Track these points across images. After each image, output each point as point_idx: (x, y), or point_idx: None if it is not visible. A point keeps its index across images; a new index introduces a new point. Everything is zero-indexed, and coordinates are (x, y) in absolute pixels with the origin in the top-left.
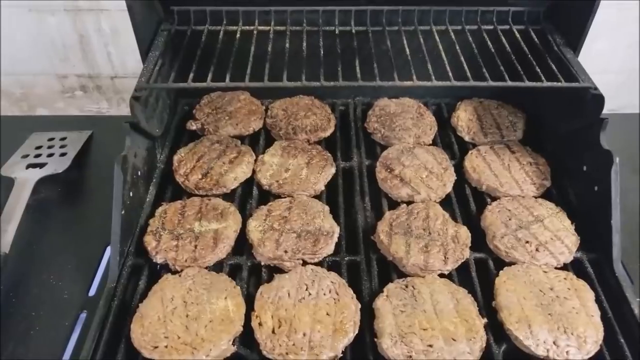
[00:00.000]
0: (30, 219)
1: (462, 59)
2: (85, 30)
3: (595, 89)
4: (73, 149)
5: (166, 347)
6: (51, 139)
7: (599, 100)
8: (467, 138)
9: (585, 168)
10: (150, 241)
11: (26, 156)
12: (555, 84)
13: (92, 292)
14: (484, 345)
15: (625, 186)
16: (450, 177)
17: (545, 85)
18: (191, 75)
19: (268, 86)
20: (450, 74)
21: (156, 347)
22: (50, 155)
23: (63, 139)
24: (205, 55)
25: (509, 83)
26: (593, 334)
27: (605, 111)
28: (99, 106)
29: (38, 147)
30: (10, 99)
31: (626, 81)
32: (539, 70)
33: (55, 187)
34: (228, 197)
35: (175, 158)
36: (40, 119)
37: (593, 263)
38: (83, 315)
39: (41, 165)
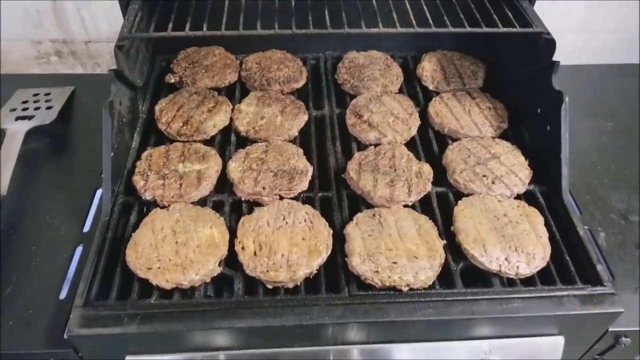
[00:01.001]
0: (22, 167)
1: (426, 8)
2: None
3: (548, 33)
4: (58, 103)
5: (159, 268)
6: (36, 94)
7: (551, 44)
8: (431, 87)
9: (539, 110)
10: (138, 180)
11: (14, 110)
12: (510, 29)
13: (86, 229)
14: (443, 262)
15: (578, 129)
16: (415, 122)
17: (501, 31)
18: (170, 25)
19: (243, 34)
20: (414, 23)
21: (150, 269)
22: (36, 108)
23: (47, 94)
24: (182, 9)
25: (468, 29)
26: (541, 252)
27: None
28: (74, 71)
29: (24, 102)
30: None
31: (588, 39)
32: (496, 18)
33: (44, 138)
34: (208, 143)
35: (157, 108)
36: (21, 77)
37: (544, 194)
38: (79, 248)
39: (29, 118)
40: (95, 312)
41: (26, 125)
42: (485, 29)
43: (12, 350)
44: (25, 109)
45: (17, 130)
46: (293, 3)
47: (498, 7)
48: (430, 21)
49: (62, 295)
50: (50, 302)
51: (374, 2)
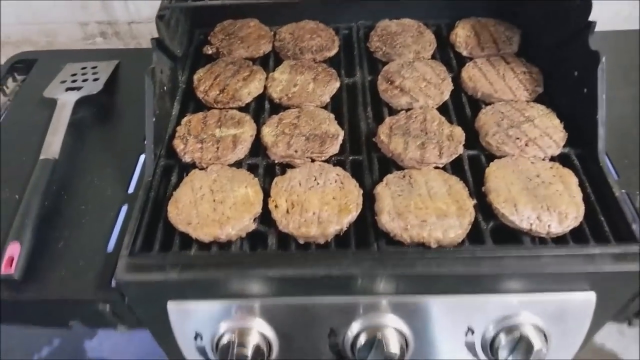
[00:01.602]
0: (72, 134)
1: None
2: None
3: None
4: (104, 75)
5: (198, 223)
6: (84, 68)
7: (587, 4)
8: (464, 53)
9: (576, 73)
10: (178, 144)
11: (64, 81)
12: None
13: (131, 190)
14: (472, 220)
15: (617, 96)
16: (448, 87)
17: None
18: None
19: (277, 1)
20: None
21: (189, 223)
22: (84, 80)
23: (94, 67)
24: None
25: None
26: (574, 211)
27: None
28: None
29: (73, 75)
30: (37, 47)
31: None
32: None
33: (91, 108)
34: (243, 110)
35: (195, 77)
36: (70, 52)
37: (579, 157)
38: (124, 208)
39: (78, 89)
40: (140, 262)
41: (75, 96)
42: None
43: (66, 295)
44: (74, 81)
45: (67, 100)
46: None
47: None
48: None
49: (109, 249)
50: (99, 255)
51: None
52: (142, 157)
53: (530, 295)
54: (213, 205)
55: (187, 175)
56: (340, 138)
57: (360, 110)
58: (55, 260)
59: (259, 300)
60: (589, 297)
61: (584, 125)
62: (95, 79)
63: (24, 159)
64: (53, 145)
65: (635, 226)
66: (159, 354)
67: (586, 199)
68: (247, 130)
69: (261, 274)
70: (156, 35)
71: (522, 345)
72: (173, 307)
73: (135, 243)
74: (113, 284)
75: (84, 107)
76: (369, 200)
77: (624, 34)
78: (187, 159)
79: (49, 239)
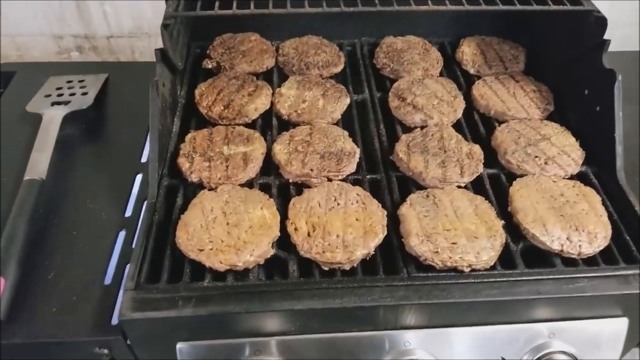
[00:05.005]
0: (60, 152)
1: None
2: None
3: (598, 12)
4: (94, 89)
5: (211, 249)
6: (70, 81)
7: (602, 22)
8: (472, 71)
9: (586, 92)
10: (184, 162)
11: (49, 95)
12: (561, 7)
13: (128, 213)
14: (504, 241)
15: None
16: (460, 104)
17: (552, 9)
18: (217, 3)
19: (291, 11)
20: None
21: (202, 250)
22: (72, 94)
23: (81, 81)
24: None
25: (518, 7)
26: (602, 231)
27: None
28: None
29: (59, 88)
30: (8, 61)
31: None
32: None
33: (79, 124)
34: (249, 127)
35: (197, 92)
36: (52, 65)
37: (597, 175)
38: (122, 233)
39: (65, 103)
40: (147, 295)
41: (63, 110)
42: (535, 7)
43: (57, 337)
44: (60, 95)
45: (54, 115)
46: None
47: None
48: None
49: (107, 281)
50: (95, 288)
51: None
52: (139, 177)
53: (562, 324)
54: (227, 228)
55: (194, 196)
56: (357, 156)
57: (373, 127)
58: (46, 295)
59: (279, 339)
60: (621, 323)
61: (598, 143)
62: (84, 93)
63: (4, 179)
64: (40, 164)
65: None
66: None
67: (609, 218)
68: (258, 148)
69: (286, 307)
70: (138, 49)
71: None
72: (184, 349)
73: (141, 273)
74: (115, 321)
75: (71, 123)
76: (393, 220)
77: (611, 54)
78: (193, 178)
79: (37, 270)
